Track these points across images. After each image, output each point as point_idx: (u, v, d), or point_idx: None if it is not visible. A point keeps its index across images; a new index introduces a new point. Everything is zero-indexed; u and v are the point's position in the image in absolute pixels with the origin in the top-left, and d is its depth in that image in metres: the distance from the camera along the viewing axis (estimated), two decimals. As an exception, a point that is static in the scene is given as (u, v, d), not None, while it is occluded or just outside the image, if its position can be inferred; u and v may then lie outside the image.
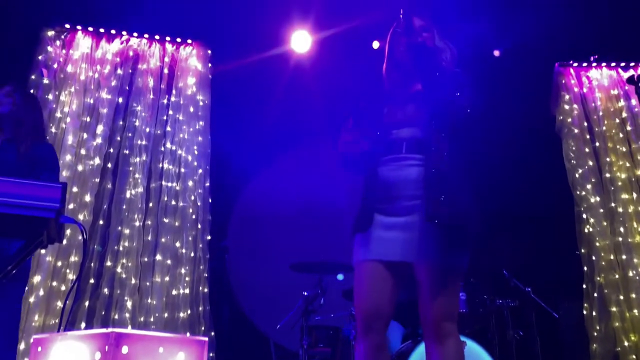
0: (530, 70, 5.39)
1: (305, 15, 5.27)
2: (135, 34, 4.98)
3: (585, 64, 5.38)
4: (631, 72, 5.29)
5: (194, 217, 4.60)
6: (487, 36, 5.30)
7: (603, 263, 4.62)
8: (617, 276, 4.60)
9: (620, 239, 4.71)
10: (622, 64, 5.34)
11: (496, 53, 5.40)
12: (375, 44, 5.52)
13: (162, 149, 4.73)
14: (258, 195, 6.00)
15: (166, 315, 4.26)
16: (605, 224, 4.77)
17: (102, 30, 4.91)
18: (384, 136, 2.07)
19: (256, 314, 5.60)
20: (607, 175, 4.96)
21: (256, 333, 5.46)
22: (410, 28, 2.11)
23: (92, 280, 4.24)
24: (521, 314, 4.04)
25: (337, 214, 5.86)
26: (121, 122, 4.71)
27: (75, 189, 4.36)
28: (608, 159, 5.01)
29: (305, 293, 4.07)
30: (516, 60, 5.45)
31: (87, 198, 4.38)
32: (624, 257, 4.65)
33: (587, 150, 5.05)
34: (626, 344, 4.39)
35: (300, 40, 5.43)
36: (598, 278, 4.57)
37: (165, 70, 4.99)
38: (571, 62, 5.38)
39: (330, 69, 5.66)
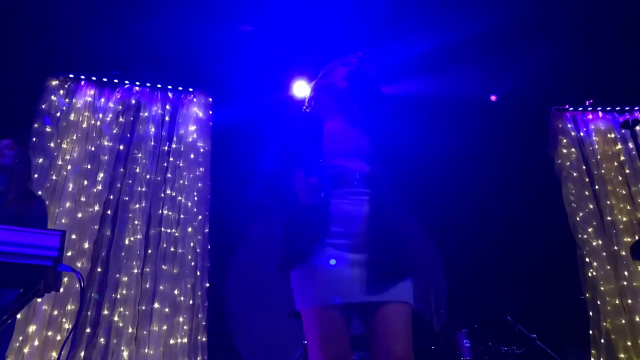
0: (528, 115, 5.48)
1: (305, 64, 5.39)
2: (137, 83, 5.08)
3: (581, 108, 5.46)
4: (626, 116, 5.37)
5: (192, 263, 4.56)
6: (485, 81, 5.42)
7: (609, 308, 4.54)
8: (623, 321, 4.51)
9: (625, 282, 4.64)
10: (618, 108, 5.42)
11: (493, 98, 5.49)
12: None
13: (162, 195, 4.74)
14: (258, 241, 5.96)
15: (163, 365, 4.15)
16: (608, 267, 4.71)
17: (104, 79, 5.02)
18: (331, 167, 1.95)
19: (256, 364, 5.45)
20: (609, 218, 4.94)
21: (256, 384, 5.30)
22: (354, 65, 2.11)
23: (88, 330, 4.15)
24: (527, 362, 3.93)
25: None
26: (122, 169, 4.74)
27: (74, 236, 4.33)
28: (608, 202, 5.01)
29: (306, 342, 3.98)
30: (514, 105, 5.54)
31: (86, 245, 4.35)
32: (629, 301, 4.57)
33: (586, 193, 5.06)
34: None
35: (300, 88, 5.54)
36: (604, 323, 4.48)
37: (167, 118, 5.06)
38: (567, 106, 5.46)
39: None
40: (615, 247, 4.81)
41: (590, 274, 4.69)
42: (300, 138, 2.10)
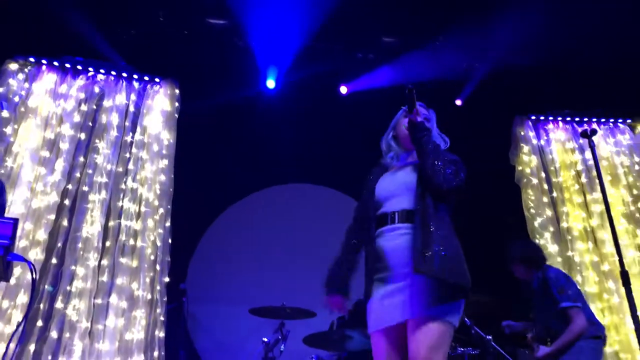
0: (491, 121, 5.60)
1: (275, 57, 5.37)
2: (102, 71, 4.94)
3: (542, 117, 5.61)
4: (585, 126, 5.55)
5: (152, 257, 4.47)
6: (450, 85, 5.51)
7: (561, 312, 4.67)
8: (575, 325, 4.65)
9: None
10: (577, 119, 5.60)
11: (458, 102, 5.59)
12: (343, 89, 5.66)
13: (123, 186, 4.62)
14: (220, 237, 5.90)
15: (118, 361, 4.06)
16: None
17: (67, 65, 4.86)
18: (376, 211, 2.24)
19: (212, 359, 5.40)
20: (565, 224, 5.10)
21: (212, 380, 5.25)
22: (412, 106, 2.31)
23: (40, 323, 4.02)
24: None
25: (299, 259, 5.81)
26: (82, 159, 4.60)
27: (28, 226, 4.19)
28: (565, 209, 5.17)
29: (265, 339, 3.96)
30: (478, 110, 5.65)
31: (41, 235, 4.21)
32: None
33: (545, 200, 5.20)
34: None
35: (270, 82, 5.53)
36: (557, 326, 4.61)
37: (131, 108, 4.95)
38: (530, 115, 5.60)
39: (298, 111, 5.74)
40: (570, 253, 4.97)
41: (545, 278, 4.81)
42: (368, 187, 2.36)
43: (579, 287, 4.76)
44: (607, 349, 4.65)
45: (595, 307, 4.77)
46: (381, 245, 2.18)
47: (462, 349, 3.94)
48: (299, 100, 5.70)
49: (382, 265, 2.15)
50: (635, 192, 5.30)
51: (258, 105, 5.66)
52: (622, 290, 4.73)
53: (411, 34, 5.31)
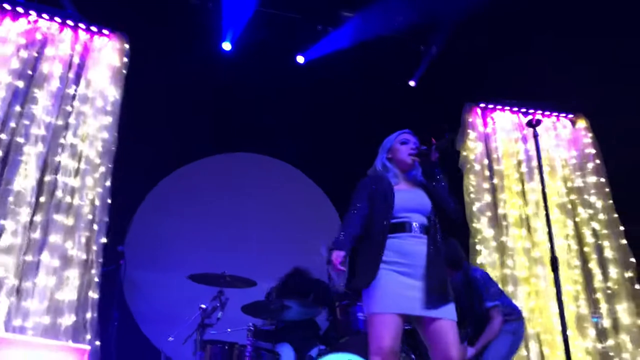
0: (442, 106, 5.71)
1: (233, 19, 5.22)
2: (45, 16, 4.64)
3: (491, 106, 5.76)
4: (531, 117, 5.75)
5: (89, 217, 4.30)
6: (406, 65, 5.56)
7: (491, 293, 4.90)
8: (502, 306, 4.89)
9: (509, 271, 5.04)
10: (523, 110, 5.79)
11: (411, 83, 5.66)
12: (300, 59, 5.59)
13: (62, 141, 4.40)
14: (162, 201, 5.77)
15: (47, 320, 3.91)
16: (496, 256, 5.08)
17: (7, 6, 4.52)
18: (394, 217, 2.65)
19: (149, 324, 5.32)
20: (501, 211, 5.31)
21: (147, 345, 5.18)
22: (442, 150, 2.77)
23: (-38, 278, 3.81)
24: (415, 337, 4.15)
25: (242, 228, 5.79)
26: (18, 108, 4.33)
27: (-46, 175, 3.93)
28: (503, 196, 5.37)
29: (203, 306, 3.93)
30: (429, 95, 5.75)
31: (-32, 186, 3.96)
32: (510, 288, 4.96)
33: (485, 186, 5.38)
34: None
35: (226, 44, 5.38)
36: (486, 307, 4.82)
37: (76, 59, 4.68)
38: (479, 102, 5.74)
39: (253, 78, 5.64)
40: (504, 238, 5.19)
41: (479, 261, 5.02)
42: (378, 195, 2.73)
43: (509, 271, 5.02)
44: (530, 331, 4.94)
45: (523, 291, 5.03)
46: (403, 246, 2.60)
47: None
48: (255, 66, 5.59)
49: (403, 261, 2.57)
50: (569, 184, 5.58)
51: (212, 67, 5.50)
52: (549, 276, 5.02)
53: (367, 10, 5.30)
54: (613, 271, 5.27)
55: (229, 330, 4.14)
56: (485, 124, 5.69)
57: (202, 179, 5.92)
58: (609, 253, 5.32)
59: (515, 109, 5.79)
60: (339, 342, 3.87)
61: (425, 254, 2.60)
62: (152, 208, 5.72)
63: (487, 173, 5.47)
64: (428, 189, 2.76)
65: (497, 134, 5.66)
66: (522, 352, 4.77)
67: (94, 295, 4.18)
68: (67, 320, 3.99)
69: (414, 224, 2.64)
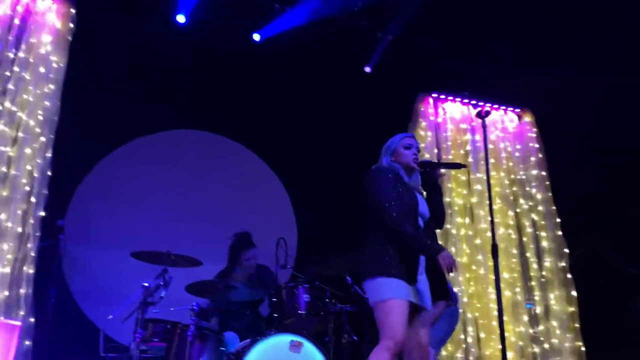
0: (395, 93, 5.77)
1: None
2: (-17, -27, 4.33)
3: (443, 96, 5.87)
4: (480, 109, 5.90)
5: (27, 188, 4.11)
6: (360, 52, 5.57)
7: (434, 278, 5.04)
8: (444, 291, 5.05)
9: (451, 258, 5.18)
10: (473, 102, 5.93)
11: (367, 70, 5.68)
12: (256, 37, 5.49)
13: (0, 107, 4.16)
14: (107, 175, 5.57)
15: (-23, 295, 3.73)
16: (440, 243, 5.20)
17: (-60, -42, 4.20)
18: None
19: (88, 302, 5.16)
20: (447, 199, 5.44)
21: (85, 323, 5.03)
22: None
23: None
24: (358, 320, 4.23)
25: (189, 206, 5.67)
26: (-50, 69, 4.05)
27: None
28: (450, 185, 5.51)
29: (146, 284, 3.83)
30: (383, 82, 5.79)
31: None
32: (451, 274, 5.11)
33: (433, 174, 5.49)
34: (444, 353, 4.83)
35: (180, 17, 5.20)
36: (428, 292, 4.97)
37: (16, 21, 4.41)
38: (432, 92, 5.83)
39: (206, 54, 5.50)
40: (449, 226, 5.33)
41: (424, 247, 5.14)
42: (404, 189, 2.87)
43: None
44: (469, 315, 5.13)
45: (463, 277, 5.21)
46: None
47: (341, 306, 4.11)
48: (209, 41, 5.45)
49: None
50: (512, 176, 5.79)
51: (163, 40, 5.31)
52: (489, 263, 5.22)
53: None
54: (548, 260, 5.54)
55: (172, 309, 4.07)
56: (436, 114, 5.80)
57: (150, 154, 5.75)
58: (545, 243, 5.59)
59: (466, 100, 5.93)
60: (283, 324, 3.88)
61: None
62: (96, 182, 5.51)
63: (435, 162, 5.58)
64: (427, 197, 2.98)
65: (448, 124, 5.78)
66: (460, 335, 4.95)
67: (29, 270, 4.01)
68: (0, 294, 3.81)
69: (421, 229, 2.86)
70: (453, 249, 5.23)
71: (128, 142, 5.74)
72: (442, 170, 3.06)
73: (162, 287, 3.82)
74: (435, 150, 5.63)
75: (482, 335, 5.05)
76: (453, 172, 5.57)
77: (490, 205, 3.38)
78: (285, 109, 5.85)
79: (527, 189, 5.71)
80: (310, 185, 5.90)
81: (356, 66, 5.75)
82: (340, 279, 4.28)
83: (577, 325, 5.39)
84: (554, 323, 5.38)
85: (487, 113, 3.08)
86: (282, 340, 3.54)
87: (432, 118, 5.75)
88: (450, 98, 5.90)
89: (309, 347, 3.56)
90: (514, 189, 5.78)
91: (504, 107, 6.07)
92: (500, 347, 3.36)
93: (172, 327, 4.01)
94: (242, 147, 6.12)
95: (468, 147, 5.77)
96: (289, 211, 6.10)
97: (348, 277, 4.23)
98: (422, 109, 5.73)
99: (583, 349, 5.32)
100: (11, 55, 4.32)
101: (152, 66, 5.46)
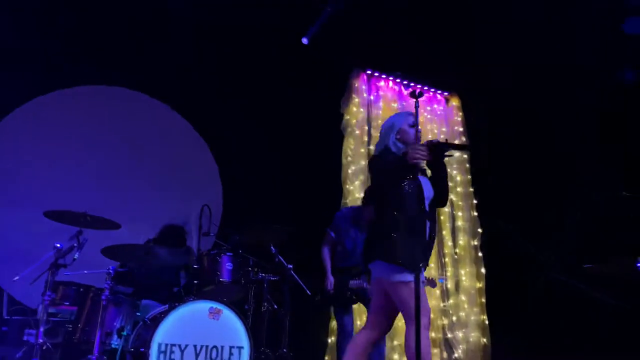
0: (330, 67, 5.76)
1: None
2: None
3: (377, 74, 5.94)
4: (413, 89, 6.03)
5: None
6: (299, 23, 5.48)
7: (356, 252, 5.17)
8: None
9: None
10: (405, 82, 6.05)
11: (304, 41, 5.62)
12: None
13: None
14: (18, 131, 5.19)
15: None
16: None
17: None
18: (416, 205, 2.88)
19: (-7, 262, 4.84)
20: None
21: (-12, 284, 4.73)
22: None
23: None
24: (279, 289, 4.27)
25: (108, 166, 5.42)
26: None
27: None
28: (378, 162, 5.61)
29: (58, 245, 3.64)
30: (319, 57, 5.76)
31: None
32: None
33: (362, 150, 5.59)
34: (358, 322, 4.99)
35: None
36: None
37: None
38: (367, 69, 5.88)
39: (132, 5, 5.20)
40: (373, 202, 5.47)
41: (348, 221, 5.24)
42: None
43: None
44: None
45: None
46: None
47: (263, 275, 4.13)
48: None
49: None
50: (436, 157, 6.00)
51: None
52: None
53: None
54: (462, 239, 5.85)
55: (85, 272, 3.91)
56: (369, 91, 5.86)
57: (66, 109, 5.39)
58: (460, 222, 5.89)
59: (398, 80, 6.03)
60: (203, 291, 3.85)
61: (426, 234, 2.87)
62: (6, 137, 5.12)
63: (365, 138, 5.67)
64: (431, 178, 3.02)
65: (380, 102, 5.87)
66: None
67: None
68: None
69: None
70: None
71: (42, 95, 5.35)
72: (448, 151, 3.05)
73: (76, 248, 3.64)
74: (366, 127, 5.70)
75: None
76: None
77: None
78: (219, 79, 5.69)
79: (449, 170, 5.93)
80: (239, 156, 5.82)
81: (294, 38, 5.67)
82: (265, 249, 4.29)
83: (483, 300, 5.77)
84: (463, 297, 5.73)
85: (421, 94, 3.15)
86: (201, 307, 3.52)
87: (365, 95, 5.81)
88: (384, 77, 5.98)
89: (228, 315, 3.55)
90: (437, 169, 5.99)
91: (433, 90, 6.24)
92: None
93: (85, 290, 3.86)
94: (177, 115, 5.90)
95: (398, 127, 5.88)
96: (216, 179, 5.99)
97: (272, 247, 4.25)
98: (355, 85, 5.77)
99: (487, 322, 5.71)
100: None
101: (68, 15, 5.09)
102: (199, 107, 5.84)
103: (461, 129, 6.16)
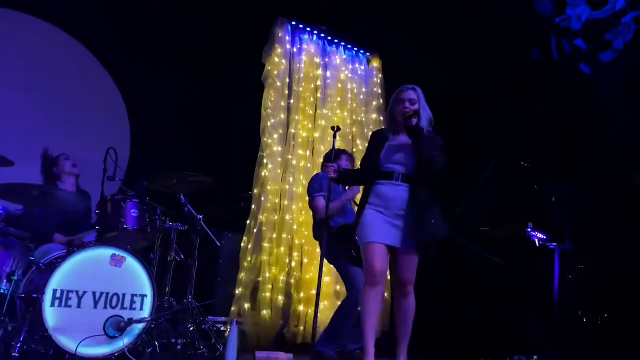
0: (255, 15, 5.55)
1: None
2: None
3: (302, 26, 5.81)
4: (334, 45, 5.98)
5: None
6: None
7: (269, 205, 5.17)
8: (276, 217, 5.23)
9: (288, 187, 5.35)
10: (329, 38, 5.98)
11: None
12: None
13: None
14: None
15: None
16: (279, 171, 5.32)
17: None
18: (381, 168, 3.26)
19: None
20: (292, 130, 5.53)
21: None
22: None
23: None
24: (187, 239, 4.19)
25: (4, 97, 4.95)
26: None
27: None
28: (297, 117, 5.57)
29: None
30: (245, 3, 5.53)
31: None
32: (286, 202, 5.30)
33: (282, 104, 5.50)
34: (267, 275, 5.06)
35: None
36: (261, 217, 5.10)
37: None
38: (292, 20, 5.72)
39: None
40: (290, 156, 5.45)
41: (263, 174, 5.21)
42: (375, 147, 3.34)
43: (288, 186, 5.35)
44: (296, 241, 5.40)
45: (297, 206, 5.41)
46: (386, 191, 3.20)
47: (171, 224, 4.02)
48: None
49: (384, 203, 3.19)
50: (354, 117, 6.06)
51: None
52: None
53: None
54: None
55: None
56: (293, 42, 5.72)
57: None
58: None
59: (323, 35, 5.94)
60: (106, 237, 3.67)
61: (403, 198, 3.16)
62: None
63: (286, 92, 5.58)
64: (416, 145, 3.19)
65: (303, 55, 5.76)
66: (286, 259, 5.21)
67: None
68: None
69: (398, 173, 3.19)
70: (291, 179, 5.38)
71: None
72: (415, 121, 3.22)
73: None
74: (287, 80, 5.60)
75: (305, 260, 5.36)
76: (301, 105, 5.63)
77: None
78: (131, 14, 5.30)
79: (365, 131, 6.03)
80: (151, 98, 5.52)
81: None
82: (174, 197, 4.16)
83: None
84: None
85: (339, 129, 3.91)
86: (103, 253, 3.37)
87: (288, 46, 5.67)
88: (309, 29, 5.86)
89: (131, 262, 3.44)
90: (354, 129, 6.07)
91: (356, 49, 6.23)
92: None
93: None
94: (80, 45, 5.44)
95: (319, 83, 5.84)
96: (124, 120, 5.66)
97: (182, 197, 4.12)
98: (279, 34, 5.60)
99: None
100: None
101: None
102: (107, 41, 5.44)
103: (380, 91, 6.24)
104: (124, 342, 3.25)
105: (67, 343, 3.10)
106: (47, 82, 5.21)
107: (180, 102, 5.46)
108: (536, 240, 4.80)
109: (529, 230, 4.76)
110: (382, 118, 6.12)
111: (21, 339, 3.05)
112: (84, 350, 3.12)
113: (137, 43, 5.42)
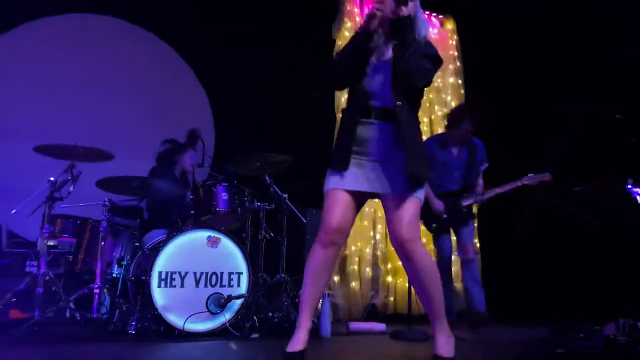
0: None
1: None
2: None
3: (372, -3, 5.70)
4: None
5: None
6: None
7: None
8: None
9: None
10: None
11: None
12: None
13: None
14: (4, 57, 5.03)
15: None
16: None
17: None
18: (360, 103, 2.48)
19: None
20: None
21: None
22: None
23: None
24: (276, 218, 4.33)
25: (96, 96, 5.30)
26: None
27: None
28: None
29: (52, 178, 3.62)
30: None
31: None
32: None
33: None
34: (353, 248, 5.13)
35: None
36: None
37: None
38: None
39: None
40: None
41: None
42: None
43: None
44: (379, 214, 5.40)
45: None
46: (361, 132, 2.46)
47: (258, 204, 4.17)
48: None
49: (360, 149, 2.46)
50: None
51: None
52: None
53: None
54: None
55: (81, 205, 3.92)
56: (362, 15, 5.65)
57: (44, 40, 5.20)
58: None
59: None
60: (201, 220, 3.89)
61: (377, 138, 2.44)
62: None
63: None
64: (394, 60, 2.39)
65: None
66: (370, 232, 5.24)
67: None
68: None
69: (375, 109, 2.47)
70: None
71: (24, 23, 5.14)
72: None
73: (70, 181, 3.64)
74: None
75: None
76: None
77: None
78: (203, 2, 5.46)
79: (443, 96, 5.88)
80: (230, 85, 5.69)
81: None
82: (259, 179, 4.30)
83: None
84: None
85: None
86: (199, 235, 3.57)
87: (357, 19, 5.60)
88: None
89: (226, 242, 3.62)
90: (430, 95, 5.93)
91: (427, 13, 6.03)
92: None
93: (83, 222, 3.91)
94: (161, 42, 5.71)
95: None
96: (206, 109, 5.90)
97: (267, 177, 4.26)
98: (348, 7, 5.55)
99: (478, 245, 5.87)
100: None
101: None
102: (183, 33, 5.65)
103: (456, 53, 6.02)
104: (225, 317, 3.44)
105: (175, 320, 3.34)
106: (134, 79, 5.54)
107: (255, 87, 5.59)
108: (637, 197, 4.48)
109: (629, 186, 4.45)
110: (460, 81, 5.93)
111: (135, 317, 3.33)
112: (190, 326, 3.35)
113: (212, 31, 5.59)
